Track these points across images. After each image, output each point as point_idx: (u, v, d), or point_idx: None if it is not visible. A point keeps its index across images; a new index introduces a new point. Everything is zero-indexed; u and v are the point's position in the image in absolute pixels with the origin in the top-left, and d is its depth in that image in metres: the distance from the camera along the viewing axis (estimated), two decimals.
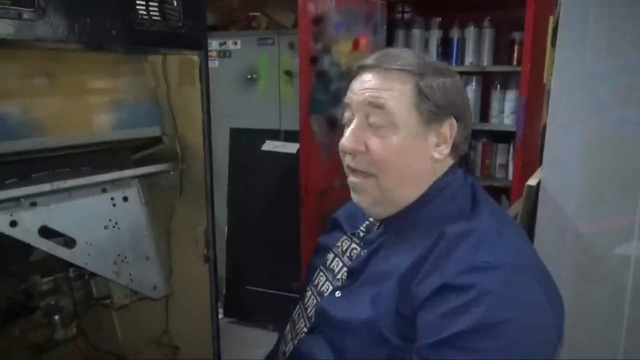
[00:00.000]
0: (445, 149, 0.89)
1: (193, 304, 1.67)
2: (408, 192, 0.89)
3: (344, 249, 1.00)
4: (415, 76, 0.86)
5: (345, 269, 0.96)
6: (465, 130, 0.91)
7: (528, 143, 2.28)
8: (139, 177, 1.45)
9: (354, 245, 0.99)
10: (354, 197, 0.93)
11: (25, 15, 0.92)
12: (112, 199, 1.36)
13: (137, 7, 1.17)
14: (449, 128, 0.88)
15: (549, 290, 0.79)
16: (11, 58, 1.14)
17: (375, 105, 0.86)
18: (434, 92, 0.86)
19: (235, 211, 2.77)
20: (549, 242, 1.33)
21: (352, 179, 0.91)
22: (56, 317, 1.45)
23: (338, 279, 0.96)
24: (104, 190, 1.35)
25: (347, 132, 0.89)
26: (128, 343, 1.70)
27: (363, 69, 0.90)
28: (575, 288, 1.32)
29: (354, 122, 0.88)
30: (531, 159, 2.20)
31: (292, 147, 2.59)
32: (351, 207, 1.09)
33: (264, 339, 2.49)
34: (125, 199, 1.40)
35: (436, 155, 0.88)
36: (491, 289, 0.73)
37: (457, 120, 0.89)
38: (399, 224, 0.91)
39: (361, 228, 1.01)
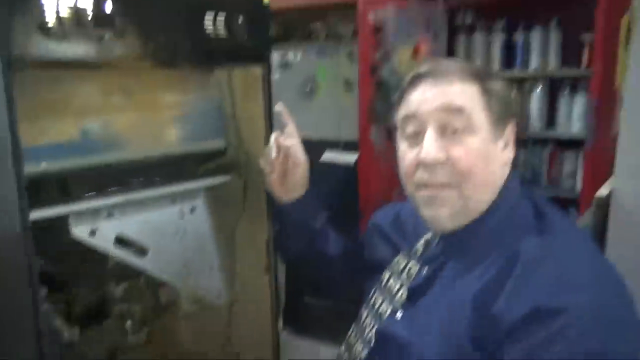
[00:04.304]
0: (510, 153, 0.87)
1: (255, 314, 1.69)
2: (485, 199, 0.85)
3: (401, 267, 0.97)
4: (477, 78, 0.83)
5: (404, 288, 0.93)
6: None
7: (598, 150, 2.17)
8: (204, 188, 1.50)
9: (411, 263, 0.96)
10: (428, 211, 0.86)
11: (106, 37, 0.98)
12: (181, 209, 1.41)
13: (205, 25, 1.22)
14: (511, 131, 0.87)
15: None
16: (91, 78, 1.21)
17: (454, 109, 0.81)
18: (498, 94, 0.84)
19: None
20: (621, 259, 1.25)
21: (428, 192, 0.85)
22: (128, 322, 1.52)
23: (397, 300, 0.93)
24: (174, 202, 1.40)
25: (427, 144, 0.82)
26: (192, 350, 1.75)
27: (419, 78, 0.86)
28: None
29: (429, 132, 0.82)
30: (601, 168, 2.09)
31: (350, 157, 2.59)
32: (390, 212, 1.08)
33: (323, 353, 2.50)
34: (192, 209, 1.44)
35: (505, 159, 0.86)
36: (584, 312, 0.68)
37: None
38: (461, 239, 0.86)
39: (418, 246, 0.97)
